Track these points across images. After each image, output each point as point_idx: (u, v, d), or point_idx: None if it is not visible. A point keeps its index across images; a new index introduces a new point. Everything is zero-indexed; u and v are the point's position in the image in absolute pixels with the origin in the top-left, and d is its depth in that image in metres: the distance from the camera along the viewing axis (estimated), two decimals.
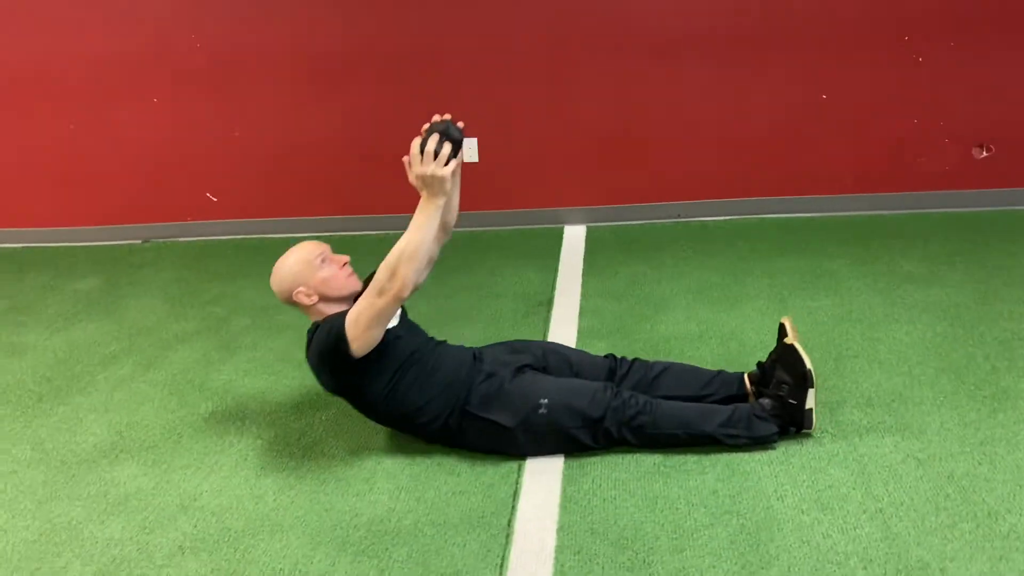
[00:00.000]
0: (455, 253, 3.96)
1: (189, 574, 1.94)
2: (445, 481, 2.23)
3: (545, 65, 4.03)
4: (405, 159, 2.14)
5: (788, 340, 2.28)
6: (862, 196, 4.08)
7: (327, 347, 2.20)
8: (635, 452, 2.27)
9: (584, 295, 3.38)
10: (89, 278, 3.99)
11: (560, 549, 1.94)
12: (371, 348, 2.19)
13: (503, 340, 2.97)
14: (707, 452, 2.25)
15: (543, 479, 2.20)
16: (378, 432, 2.47)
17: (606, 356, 2.49)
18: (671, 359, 2.77)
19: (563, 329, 3.08)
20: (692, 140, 4.09)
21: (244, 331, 3.27)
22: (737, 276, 3.45)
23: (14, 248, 4.49)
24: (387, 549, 1.99)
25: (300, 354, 2.96)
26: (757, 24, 3.91)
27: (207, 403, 2.74)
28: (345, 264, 2.35)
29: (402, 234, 2.13)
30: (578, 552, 1.92)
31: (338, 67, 4.10)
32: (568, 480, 2.19)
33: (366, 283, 2.43)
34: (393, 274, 2.10)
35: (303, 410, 2.65)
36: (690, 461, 2.22)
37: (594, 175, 4.18)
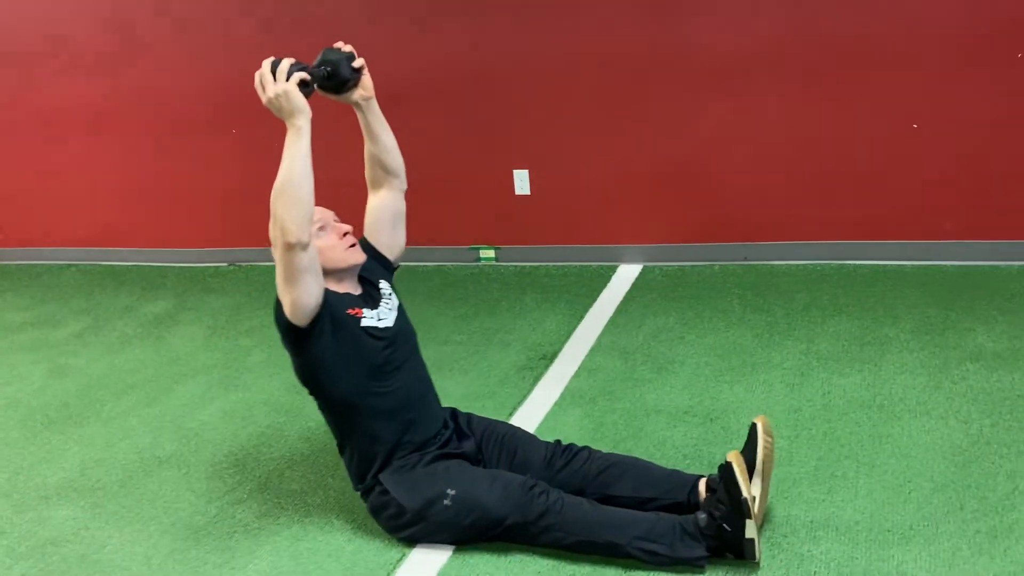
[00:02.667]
0: (490, 291, 3.81)
1: None
2: (319, 566, 2.09)
3: (601, 91, 3.74)
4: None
5: (729, 456, 1.90)
6: (959, 244, 3.42)
7: (275, 312, 2.05)
8: (530, 553, 2.02)
9: (593, 350, 3.09)
10: (163, 300, 4.23)
11: None
12: (304, 312, 1.96)
13: (481, 399, 2.81)
14: (624, 565, 1.93)
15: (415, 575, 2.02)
16: (295, 496, 2.39)
17: (554, 442, 2.22)
18: (643, 435, 2.49)
19: (547, 390, 2.84)
20: (763, 173, 3.64)
21: (254, 367, 3.31)
22: (773, 336, 3.02)
23: (124, 266, 4.88)
24: None
25: (281, 398, 3.00)
26: (832, 43, 3.39)
27: (172, 444, 2.78)
28: (346, 234, 2.12)
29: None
30: None
31: (393, 96, 4.05)
32: None
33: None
34: (273, 219, 1.89)
35: (246, 464, 2.62)
36: (582, 570, 1.94)
37: (654, 210, 3.84)
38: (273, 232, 1.90)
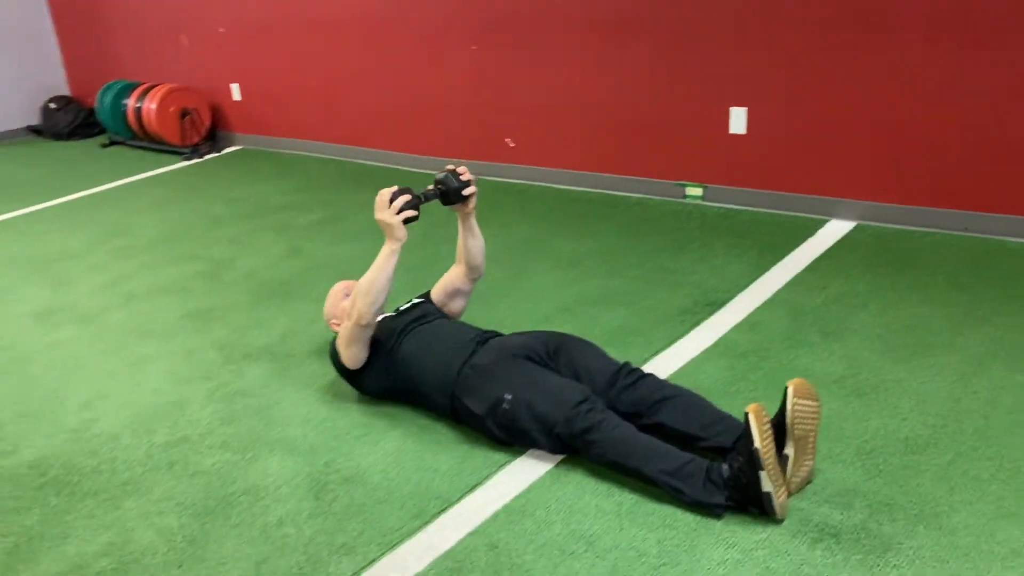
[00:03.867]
0: (685, 230, 3.77)
1: (203, 468, 2.37)
2: (436, 458, 2.31)
3: (830, 32, 3.48)
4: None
5: (747, 407, 1.90)
6: None
7: (332, 359, 2.58)
8: (613, 480, 2.10)
9: (765, 304, 2.99)
10: None
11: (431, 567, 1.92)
12: (359, 362, 2.50)
13: (632, 335, 2.86)
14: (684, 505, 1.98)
15: (511, 479, 2.17)
16: None
17: (623, 363, 2.30)
18: (777, 399, 2.39)
19: (700, 338, 2.81)
20: (999, 137, 3.22)
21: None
22: (966, 320, 2.74)
23: (373, 166, 5.37)
24: (334, 499, 2.17)
25: None
26: None
27: None
28: None
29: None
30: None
31: (619, 29, 4.04)
32: (535, 490, 2.11)
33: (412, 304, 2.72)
34: (353, 304, 2.40)
35: None
36: (662, 510, 1.99)
37: (876, 164, 3.55)
38: (352, 312, 2.39)
